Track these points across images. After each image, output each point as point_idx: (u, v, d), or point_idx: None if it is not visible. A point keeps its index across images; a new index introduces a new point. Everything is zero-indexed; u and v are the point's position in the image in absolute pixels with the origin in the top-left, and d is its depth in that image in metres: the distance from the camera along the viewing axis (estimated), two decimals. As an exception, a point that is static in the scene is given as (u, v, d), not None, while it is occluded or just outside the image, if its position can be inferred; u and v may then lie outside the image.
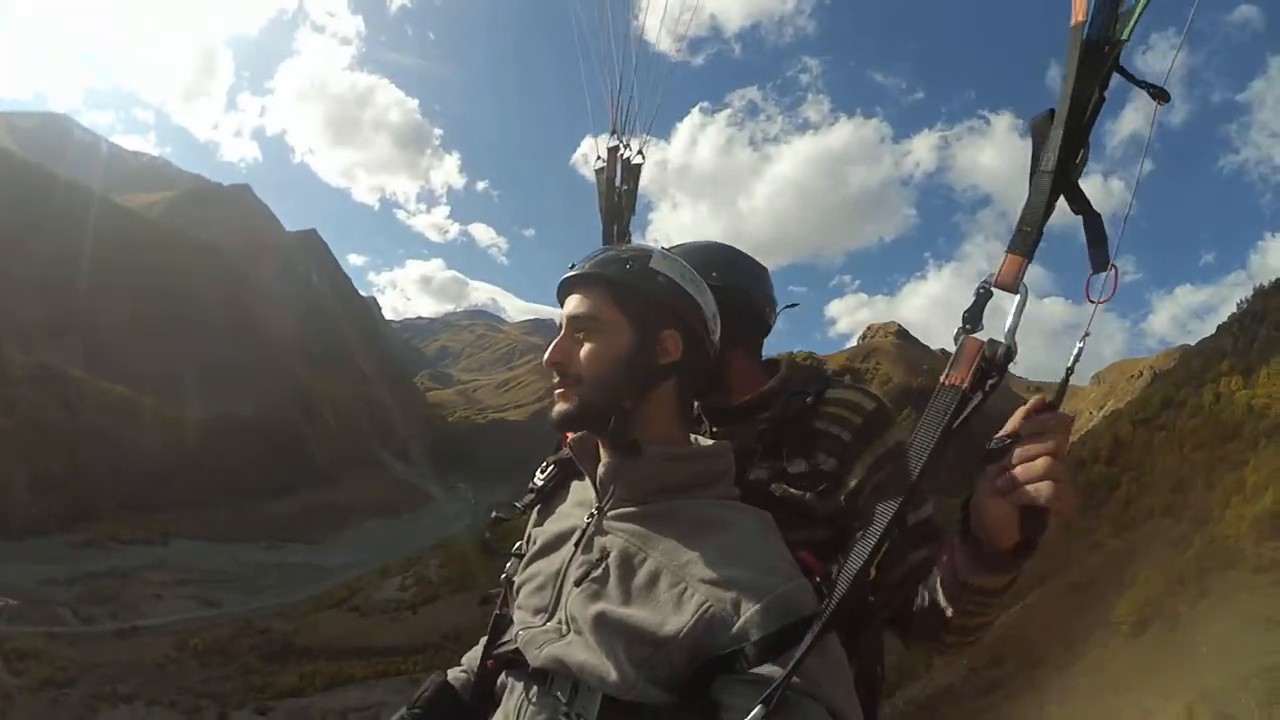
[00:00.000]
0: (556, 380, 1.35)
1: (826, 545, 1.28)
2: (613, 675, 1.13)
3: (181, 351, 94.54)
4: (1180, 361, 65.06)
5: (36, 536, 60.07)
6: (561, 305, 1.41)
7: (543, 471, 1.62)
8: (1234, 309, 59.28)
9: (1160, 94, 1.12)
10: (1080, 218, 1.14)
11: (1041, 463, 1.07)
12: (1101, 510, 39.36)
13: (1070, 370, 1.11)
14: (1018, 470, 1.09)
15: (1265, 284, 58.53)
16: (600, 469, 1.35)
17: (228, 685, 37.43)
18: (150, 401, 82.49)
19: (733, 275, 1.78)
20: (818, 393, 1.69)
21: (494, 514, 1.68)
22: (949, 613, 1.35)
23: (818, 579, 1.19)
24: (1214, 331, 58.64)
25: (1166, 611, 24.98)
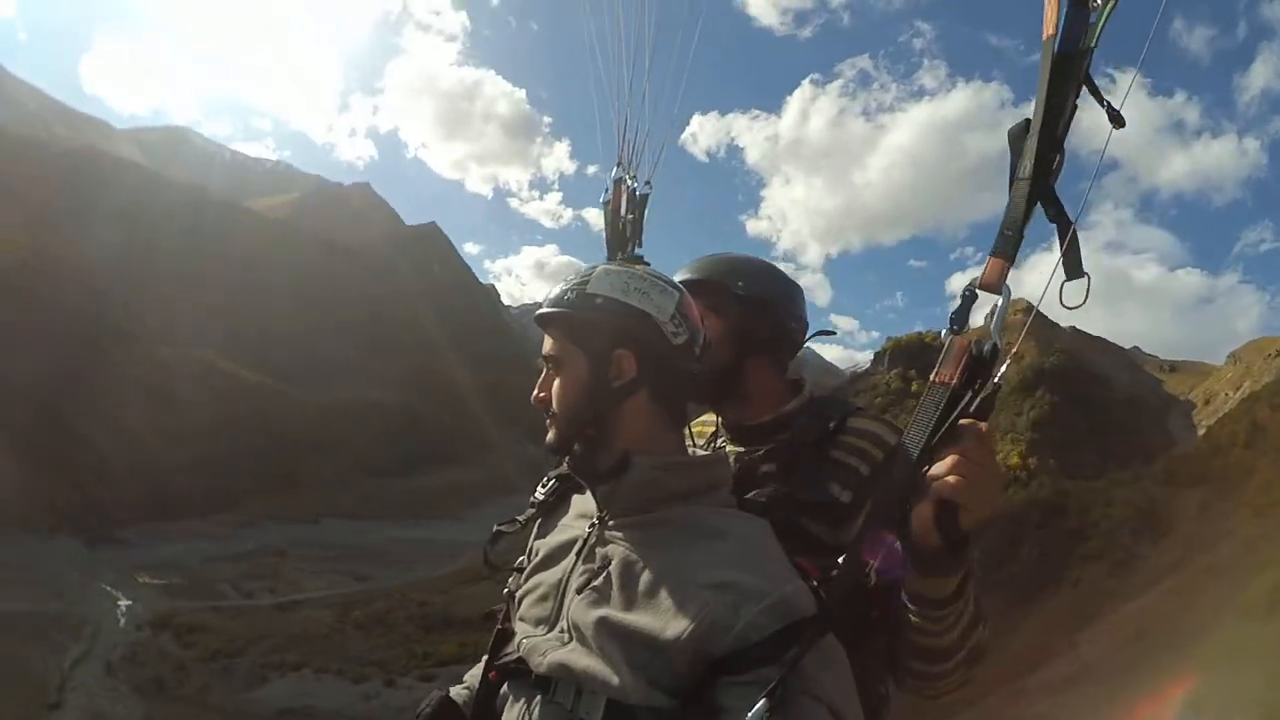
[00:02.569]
0: (545, 414, 1.41)
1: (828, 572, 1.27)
2: (616, 679, 1.15)
3: (317, 343, 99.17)
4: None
5: (196, 518, 62.64)
6: None
7: (544, 486, 1.64)
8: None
9: (1116, 118, 1.14)
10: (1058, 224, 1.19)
11: (949, 462, 1.13)
12: (1238, 495, 36.66)
13: (997, 386, 1.14)
14: (931, 470, 1.16)
15: None
16: (598, 482, 1.37)
17: (390, 654, 37.87)
18: (292, 390, 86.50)
19: (756, 287, 1.80)
20: (839, 420, 1.66)
21: (495, 528, 1.66)
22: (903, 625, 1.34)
23: (815, 583, 1.20)
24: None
25: (1298, 596, 24.97)
